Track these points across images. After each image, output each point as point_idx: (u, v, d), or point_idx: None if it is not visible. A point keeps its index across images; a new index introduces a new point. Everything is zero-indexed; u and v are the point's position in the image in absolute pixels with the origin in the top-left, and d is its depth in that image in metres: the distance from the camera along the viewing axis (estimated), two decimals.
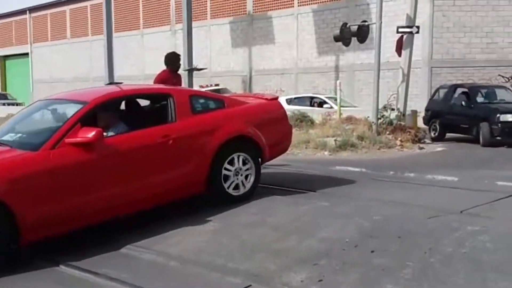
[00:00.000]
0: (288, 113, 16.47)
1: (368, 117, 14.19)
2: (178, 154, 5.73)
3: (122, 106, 6.28)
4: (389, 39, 16.74)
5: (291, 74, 24.50)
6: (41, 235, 4.89)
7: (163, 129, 5.70)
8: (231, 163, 6.10)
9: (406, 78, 15.13)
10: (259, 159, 6.47)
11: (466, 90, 14.83)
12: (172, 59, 8.38)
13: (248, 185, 6.32)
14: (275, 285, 4.08)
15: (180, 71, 9.00)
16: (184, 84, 11.48)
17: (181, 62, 8.95)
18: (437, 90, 16.50)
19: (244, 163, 6.24)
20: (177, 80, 8.31)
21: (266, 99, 7.15)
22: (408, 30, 14.65)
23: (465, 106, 14.13)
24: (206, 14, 27.55)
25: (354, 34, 15.41)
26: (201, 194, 6.11)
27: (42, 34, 37.94)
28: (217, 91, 23.45)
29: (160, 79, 8.09)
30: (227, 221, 5.74)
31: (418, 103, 18.95)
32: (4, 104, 29.52)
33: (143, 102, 6.76)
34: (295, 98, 20.74)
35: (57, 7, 36.48)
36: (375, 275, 4.14)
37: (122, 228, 5.58)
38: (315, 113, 16.91)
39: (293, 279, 4.16)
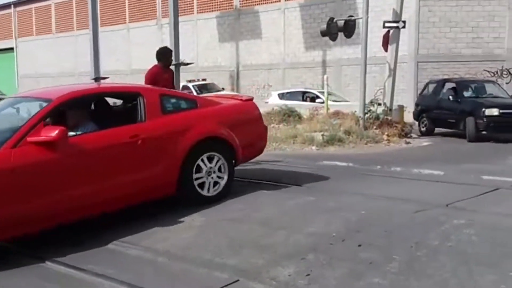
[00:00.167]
0: (276, 108, 16.82)
1: (355, 111, 14.24)
2: (148, 155, 5.59)
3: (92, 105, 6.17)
4: (376, 34, 16.80)
5: (279, 69, 24.49)
6: (7, 235, 4.76)
7: (132, 129, 5.56)
8: (203, 164, 5.99)
9: (393, 73, 15.20)
10: (233, 160, 6.36)
11: (453, 84, 14.89)
12: (163, 54, 8.18)
13: (221, 186, 6.20)
14: (262, 280, 4.08)
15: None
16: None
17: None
18: (427, 84, 16.54)
19: (217, 164, 6.13)
20: (168, 75, 8.14)
21: (241, 99, 7.07)
22: (394, 25, 14.70)
23: (453, 100, 14.16)
24: (193, 8, 27.42)
25: (341, 29, 15.42)
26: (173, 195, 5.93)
27: (27, 28, 37.55)
28: (205, 86, 23.41)
29: (150, 74, 7.93)
30: (214, 216, 5.73)
31: (405, 98, 19.08)
32: None
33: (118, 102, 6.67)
34: (287, 92, 20.74)
35: (42, 1, 36.10)
36: (362, 269, 4.16)
37: (109, 224, 5.54)
38: (303, 107, 16.91)
39: (281, 273, 4.16)
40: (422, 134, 15.21)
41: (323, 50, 22.63)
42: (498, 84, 16.16)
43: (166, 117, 5.91)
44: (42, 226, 4.98)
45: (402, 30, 15.14)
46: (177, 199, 6.04)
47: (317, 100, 18.95)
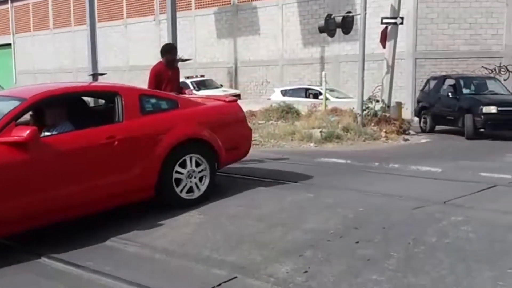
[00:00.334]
0: (274, 104, 16.80)
1: (353, 108, 14.24)
2: (125, 157, 5.40)
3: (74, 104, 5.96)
4: (374, 30, 16.79)
5: (277, 65, 24.47)
6: None
7: (108, 130, 5.39)
8: (183, 166, 5.82)
9: (391, 69, 15.19)
10: (215, 163, 6.19)
11: (453, 81, 14.78)
12: (166, 51, 7.99)
13: (202, 189, 6.02)
14: (260, 277, 4.08)
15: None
16: None
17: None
18: (428, 81, 16.44)
19: (198, 166, 5.97)
20: (172, 72, 7.90)
21: (225, 101, 6.92)
22: (392, 21, 14.70)
23: (452, 97, 14.07)
24: (191, 4, 27.36)
25: (339, 25, 15.42)
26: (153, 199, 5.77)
27: (25, 24, 37.42)
28: (203, 82, 23.39)
29: (153, 71, 7.79)
30: (212, 213, 5.72)
31: (403, 95, 19.09)
32: None
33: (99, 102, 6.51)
34: (290, 89, 20.72)
35: None
36: (360, 266, 4.16)
37: (106, 220, 5.54)
38: (302, 104, 16.91)
39: (279, 270, 4.16)
40: (423, 131, 15.10)
41: (321, 47, 22.61)
42: (499, 81, 16.05)
43: (145, 118, 5.72)
44: (12, 229, 4.81)
45: (400, 26, 15.13)
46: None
47: (320, 97, 18.80)
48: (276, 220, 5.36)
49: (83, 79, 24.40)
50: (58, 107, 5.47)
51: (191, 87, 21.22)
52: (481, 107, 13.04)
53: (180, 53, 14.30)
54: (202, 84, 22.74)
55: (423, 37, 19.84)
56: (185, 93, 8.05)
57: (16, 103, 5.13)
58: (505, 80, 19.14)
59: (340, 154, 10.21)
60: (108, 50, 28.95)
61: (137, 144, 5.52)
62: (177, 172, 5.78)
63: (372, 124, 13.60)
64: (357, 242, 4.62)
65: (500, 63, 19.65)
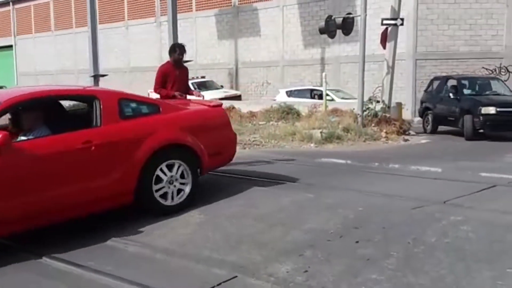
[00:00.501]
0: (275, 105, 16.81)
1: (354, 109, 14.25)
2: (102, 162, 5.27)
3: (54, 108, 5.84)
4: (374, 32, 16.79)
5: (277, 66, 24.48)
6: None
7: (85, 134, 5.26)
8: (164, 172, 5.69)
9: (391, 70, 15.18)
10: (197, 169, 6.04)
11: (455, 81, 14.67)
12: (172, 50, 7.84)
13: (184, 195, 5.87)
14: (260, 276, 4.09)
15: None
16: None
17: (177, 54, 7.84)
18: (431, 81, 16.32)
19: (179, 172, 5.82)
20: (180, 72, 7.74)
21: (209, 105, 6.76)
22: (392, 22, 14.69)
23: (453, 98, 13.92)
24: (192, 6, 27.39)
25: (339, 27, 15.42)
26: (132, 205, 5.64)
27: (26, 26, 37.47)
28: (204, 83, 23.40)
29: (159, 71, 7.71)
30: (212, 213, 5.74)
31: (403, 95, 19.09)
32: None
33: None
34: (295, 90, 20.69)
35: None
36: (360, 265, 4.17)
37: (107, 220, 5.55)
38: (302, 105, 16.93)
39: (279, 270, 4.18)
40: (426, 131, 14.99)
41: (322, 48, 22.62)
42: (502, 81, 15.93)
43: (125, 122, 5.58)
44: None
45: (400, 27, 15.13)
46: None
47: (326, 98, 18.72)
48: (276, 220, 5.38)
49: (84, 80, 24.45)
50: (34, 111, 5.36)
51: (192, 88, 21.26)
52: (480, 107, 12.90)
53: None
54: (203, 85, 22.73)
55: (423, 38, 19.85)
56: (192, 94, 8.03)
57: None
58: (505, 80, 19.13)
59: (341, 154, 10.23)
60: (109, 51, 28.99)
61: (115, 149, 5.38)
62: (157, 177, 5.64)
63: (373, 125, 13.60)
64: (357, 242, 4.64)
65: (500, 64, 19.64)
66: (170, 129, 5.88)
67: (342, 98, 18.38)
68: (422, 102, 16.19)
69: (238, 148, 11.27)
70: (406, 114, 16.97)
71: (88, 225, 5.47)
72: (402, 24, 15.00)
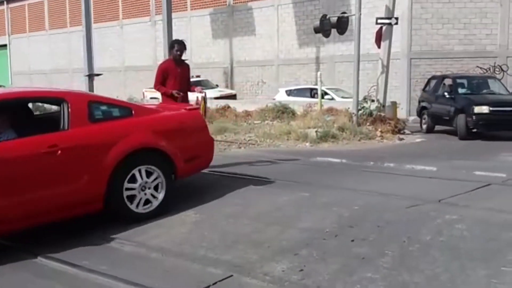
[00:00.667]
0: (270, 104, 16.81)
1: (349, 108, 14.27)
2: (69, 167, 5.07)
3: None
4: (369, 31, 16.83)
5: (272, 65, 24.49)
6: None
7: (52, 138, 5.05)
8: (135, 177, 5.48)
9: (386, 69, 15.22)
10: (171, 174, 5.85)
11: (451, 80, 14.60)
12: (170, 46, 7.76)
13: (157, 202, 5.66)
14: (256, 275, 4.10)
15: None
16: None
17: (172, 50, 7.73)
18: (429, 80, 16.25)
19: (152, 177, 5.61)
20: (181, 69, 7.65)
21: (185, 109, 6.59)
22: (387, 21, 14.72)
23: (448, 97, 13.84)
24: (186, 5, 27.36)
25: (334, 26, 15.44)
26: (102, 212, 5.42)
27: (20, 25, 37.34)
28: (199, 82, 23.36)
29: (159, 69, 7.64)
30: (208, 212, 5.74)
31: (398, 94, 19.14)
32: None
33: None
34: (295, 89, 20.64)
35: None
36: (355, 264, 4.18)
37: (102, 220, 5.54)
38: (297, 104, 16.95)
39: (274, 269, 4.18)
40: (423, 131, 14.87)
41: (317, 47, 22.66)
42: (499, 80, 15.87)
43: (94, 126, 5.37)
44: None
45: (395, 26, 15.16)
46: (170, 195, 6.01)
47: (326, 97, 18.64)
48: (272, 219, 5.38)
49: (79, 80, 24.39)
50: (0, 114, 5.24)
51: None
52: (472, 107, 12.80)
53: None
54: (197, 84, 22.56)
55: (417, 37, 19.91)
56: (194, 91, 7.98)
57: None
58: (500, 80, 19.22)
59: (336, 153, 10.24)
60: (103, 51, 28.93)
61: (83, 153, 5.19)
62: (128, 183, 5.44)
63: (368, 124, 13.63)
64: (352, 241, 4.65)
65: (495, 62, 19.72)
66: (142, 132, 5.68)
67: (342, 97, 18.38)
68: (419, 102, 16.18)
69: (233, 147, 11.38)
70: (401, 113, 17.02)
71: (83, 225, 5.45)
72: (396, 23, 15.04)
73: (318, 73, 17.14)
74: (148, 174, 5.60)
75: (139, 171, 5.53)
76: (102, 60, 27.08)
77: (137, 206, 5.54)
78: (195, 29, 27.10)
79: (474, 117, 12.72)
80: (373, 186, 6.89)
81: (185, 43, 7.81)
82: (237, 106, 17.95)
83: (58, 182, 5.03)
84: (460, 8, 19.72)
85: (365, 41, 15.78)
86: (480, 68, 19.53)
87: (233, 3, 25.71)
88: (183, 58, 7.75)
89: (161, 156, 5.73)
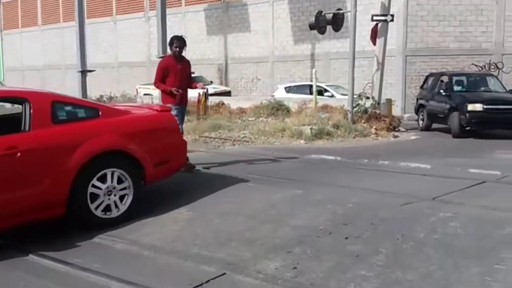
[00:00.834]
0: (264, 101, 16.79)
1: (344, 105, 14.25)
2: (28, 170, 4.84)
3: None
4: (365, 28, 16.80)
5: (267, 62, 24.44)
6: None
7: (11, 140, 4.81)
8: (101, 181, 5.27)
9: (381, 66, 15.22)
10: (140, 179, 5.64)
11: (447, 78, 14.52)
12: (169, 43, 7.68)
13: (124, 207, 5.44)
14: (249, 273, 4.07)
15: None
16: None
17: (173, 46, 7.65)
18: (427, 77, 16.17)
19: (119, 182, 5.41)
20: (182, 66, 7.59)
21: (157, 110, 6.36)
22: (382, 18, 14.71)
23: (444, 95, 13.76)
24: (181, 1, 27.26)
25: (329, 22, 15.43)
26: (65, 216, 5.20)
27: (13, 21, 37.09)
28: (193, 79, 23.30)
29: (159, 66, 7.57)
30: (201, 210, 5.71)
31: (393, 92, 19.14)
32: None
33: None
34: (294, 86, 20.51)
35: None
36: (349, 262, 4.16)
37: None
38: (292, 101, 16.94)
39: (268, 266, 4.16)
40: (420, 128, 14.82)
41: (312, 44, 22.62)
42: (497, 78, 15.76)
43: (57, 127, 5.14)
44: None
45: (390, 23, 15.16)
46: (164, 191, 6.00)
47: (325, 94, 18.50)
48: (265, 217, 5.36)
49: (72, 75, 24.24)
50: None
51: None
52: (466, 104, 12.69)
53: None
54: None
55: (413, 34, 19.90)
56: (196, 87, 7.93)
57: None
58: None
59: (330, 150, 10.22)
60: (97, 46, 28.79)
61: (44, 155, 4.95)
62: (93, 187, 5.24)
63: (362, 121, 13.62)
64: (346, 238, 4.63)
65: (490, 60, 19.75)
66: (109, 134, 5.46)
67: (342, 94, 18.35)
68: (417, 99, 16.14)
69: (227, 144, 11.35)
70: (396, 111, 17.02)
71: (75, 223, 5.40)
72: (392, 20, 15.03)
73: (313, 70, 17.11)
74: (112, 177, 5.37)
75: (106, 174, 5.32)
76: (95, 56, 26.95)
77: (99, 209, 5.30)
78: (189, 25, 26.99)
79: (467, 114, 12.61)
80: (367, 184, 6.87)
81: (185, 39, 7.73)
82: (232, 103, 17.91)
83: (17, 186, 4.79)
84: (456, 5, 19.73)
85: (360, 38, 15.74)
86: (476, 65, 19.54)
87: None
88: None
89: (129, 159, 5.51)
